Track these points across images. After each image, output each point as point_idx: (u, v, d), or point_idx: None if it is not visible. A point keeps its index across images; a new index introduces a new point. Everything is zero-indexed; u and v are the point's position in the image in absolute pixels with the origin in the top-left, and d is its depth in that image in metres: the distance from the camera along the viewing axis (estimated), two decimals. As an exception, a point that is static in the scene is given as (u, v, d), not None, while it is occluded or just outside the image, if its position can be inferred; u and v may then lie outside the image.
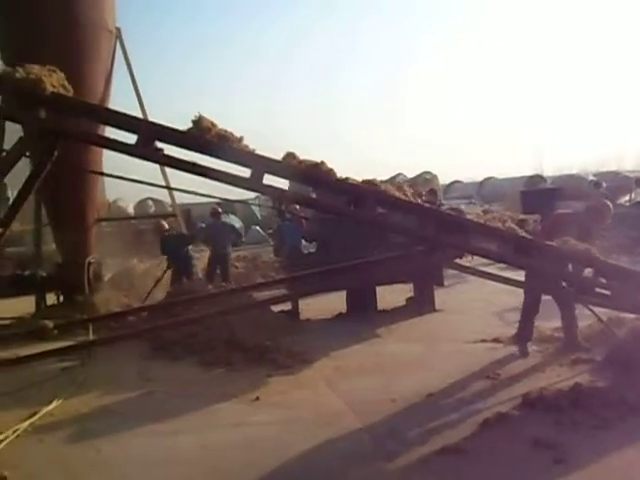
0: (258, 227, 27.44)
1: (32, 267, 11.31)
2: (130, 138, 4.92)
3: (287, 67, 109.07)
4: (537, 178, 32.79)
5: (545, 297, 6.82)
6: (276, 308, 8.98)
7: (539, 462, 4.17)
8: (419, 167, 47.00)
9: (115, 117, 5.10)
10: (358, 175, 5.37)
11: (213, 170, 4.94)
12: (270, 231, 25.48)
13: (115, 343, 7.06)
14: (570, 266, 5.92)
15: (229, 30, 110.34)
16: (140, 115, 10.39)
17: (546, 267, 5.52)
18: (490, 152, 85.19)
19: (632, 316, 6.11)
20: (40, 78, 4.71)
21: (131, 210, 29.81)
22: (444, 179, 38.78)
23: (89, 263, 10.47)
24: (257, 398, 5.83)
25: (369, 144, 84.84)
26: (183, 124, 4.97)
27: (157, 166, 8.15)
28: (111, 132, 5.44)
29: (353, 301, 9.44)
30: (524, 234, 5.65)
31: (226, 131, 5.00)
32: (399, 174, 36.52)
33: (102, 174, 10.30)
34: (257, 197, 18.88)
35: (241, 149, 4.98)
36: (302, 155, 5.18)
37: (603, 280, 5.65)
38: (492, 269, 7.27)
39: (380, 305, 9.60)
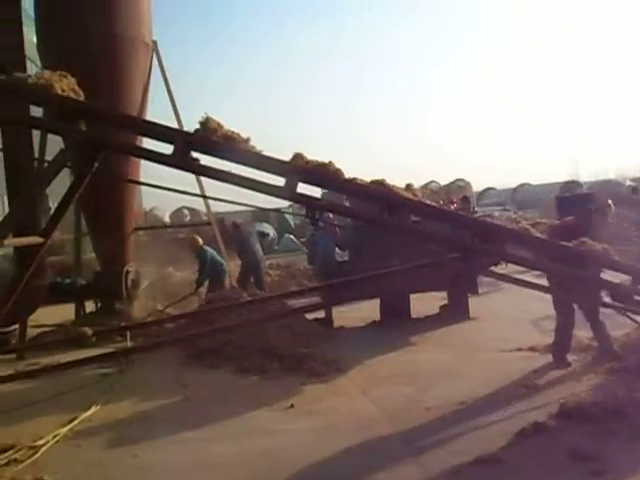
0: (292, 235, 27.56)
1: (72, 275, 11.61)
2: (167, 148, 5.01)
3: (315, 71, 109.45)
4: (573, 184, 32.19)
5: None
6: (310, 316, 9.02)
7: (576, 474, 4.10)
8: (452, 174, 46.61)
9: (152, 128, 5.18)
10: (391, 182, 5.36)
11: (248, 179, 4.96)
12: (303, 239, 25.58)
13: (152, 350, 7.20)
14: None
15: (257, 36, 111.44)
16: (177, 126, 10.57)
17: (586, 275, 5.39)
18: (524, 158, 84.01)
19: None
20: (51, 83, 4.80)
21: (167, 219, 30.34)
22: (477, 186, 38.50)
23: (127, 271, 10.67)
24: (291, 405, 5.86)
25: (401, 150, 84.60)
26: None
27: (193, 175, 8.26)
28: (148, 143, 5.54)
29: (387, 309, 9.42)
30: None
31: (233, 132, 4.98)
32: (431, 181, 36.37)
33: (139, 183, 10.50)
34: (291, 205, 18.99)
35: (276, 159, 4.99)
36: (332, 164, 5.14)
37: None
38: (527, 276, 7.18)
39: (414, 313, 9.56)
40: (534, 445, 4.57)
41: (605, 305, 5.82)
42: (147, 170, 10.50)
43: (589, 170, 71.08)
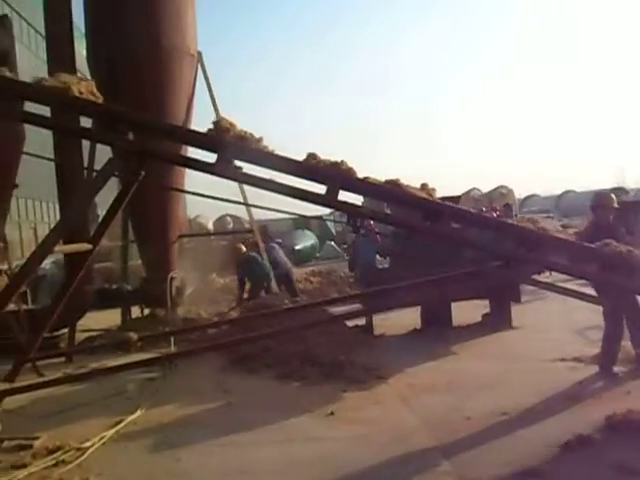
0: (333, 242, 27.63)
1: (119, 281, 11.91)
2: (211, 157, 5.10)
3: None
4: (619, 191, 31.33)
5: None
6: (350, 323, 9.03)
7: (623, 488, 4.00)
8: (494, 181, 45.97)
9: (196, 137, 5.30)
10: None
11: (289, 187, 5.01)
12: (345, 246, 25.60)
13: (195, 355, 7.32)
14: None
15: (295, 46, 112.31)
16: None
17: (635, 286, 5.24)
18: (568, 165, 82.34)
19: None
20: (68, 86, 4.88)
21: (210, 226, 30.77)
22: (520, 192, 37.84)
23: (171, 278, 10.86)
24: (332, 413, 5.86)
25: (440, 155, 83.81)
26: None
27: (236, 183, 8.38)
28: (193, 152, 5.65)
29: (428, 317, 9.35)
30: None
31: (245, 132, 5.02)
32: (473, 188, 35.91)
33: (184, 192, 10.70)
34: (332, 213, 19.06)
35: (320, 167, 4.99)
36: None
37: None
38: (572, 285, 7.05)
39: (455, 321, 9.46)
40: (579, 458, 4.45)
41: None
42: (192, 178, 10.75)
43: (635, 177, 69.07)
